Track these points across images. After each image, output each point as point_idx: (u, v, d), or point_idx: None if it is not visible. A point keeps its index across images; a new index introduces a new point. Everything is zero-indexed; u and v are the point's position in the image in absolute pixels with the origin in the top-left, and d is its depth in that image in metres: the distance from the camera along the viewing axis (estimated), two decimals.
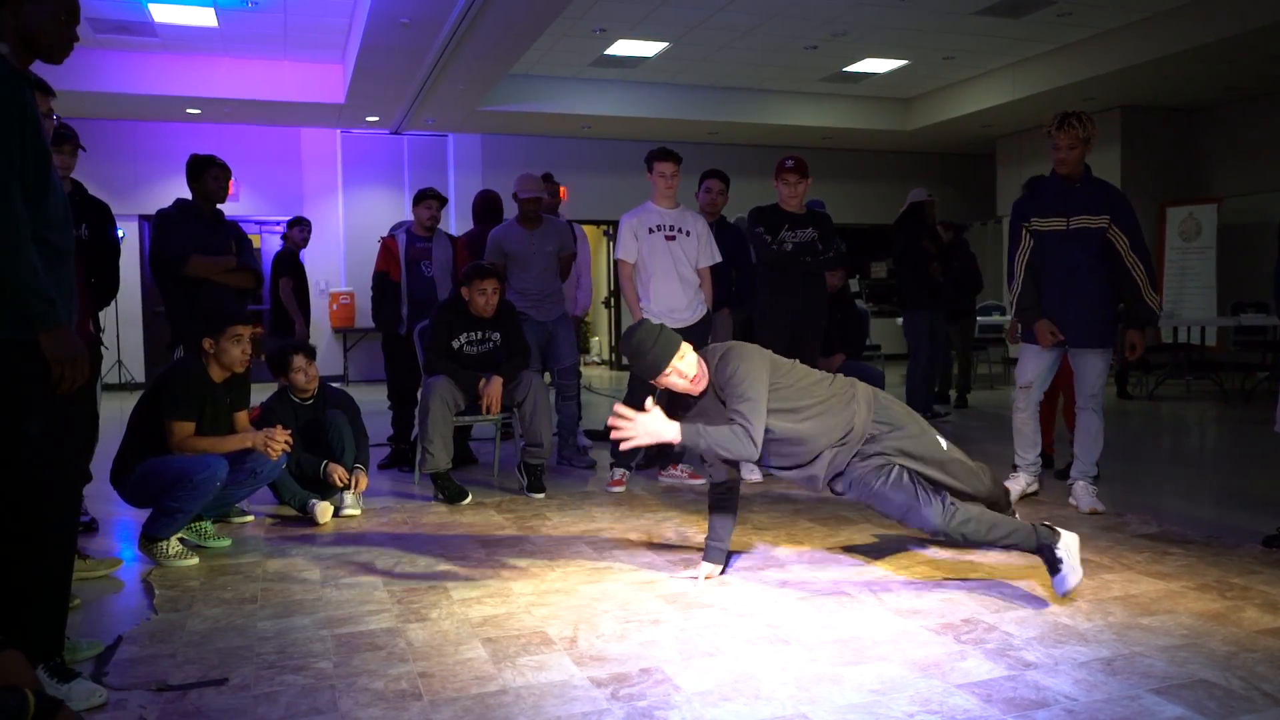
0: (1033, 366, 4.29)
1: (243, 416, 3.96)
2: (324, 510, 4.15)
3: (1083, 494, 4.21)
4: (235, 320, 3.75)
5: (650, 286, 4.75)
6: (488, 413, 4.70)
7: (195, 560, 3.57)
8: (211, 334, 3.73)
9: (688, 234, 4.79)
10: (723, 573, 3.27)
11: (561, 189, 6.34)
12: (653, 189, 4.82)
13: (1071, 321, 4.11)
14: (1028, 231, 4.19)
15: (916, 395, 6.95)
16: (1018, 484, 4.42)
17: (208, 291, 4.48)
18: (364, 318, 11.09)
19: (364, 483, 4.38)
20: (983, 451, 5.93)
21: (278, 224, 11.56)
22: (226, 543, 3.83)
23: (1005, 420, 7.58)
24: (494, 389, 4.62)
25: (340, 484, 4.28)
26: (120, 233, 10.53)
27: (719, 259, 4.92)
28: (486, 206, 6.04)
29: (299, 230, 7.23)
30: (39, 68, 2.43)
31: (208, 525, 3.84)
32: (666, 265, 4.74)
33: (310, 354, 4.47)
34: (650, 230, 4.74)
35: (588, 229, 7.84)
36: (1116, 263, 4.05)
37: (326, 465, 4.28)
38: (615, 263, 4.86)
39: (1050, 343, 4.15)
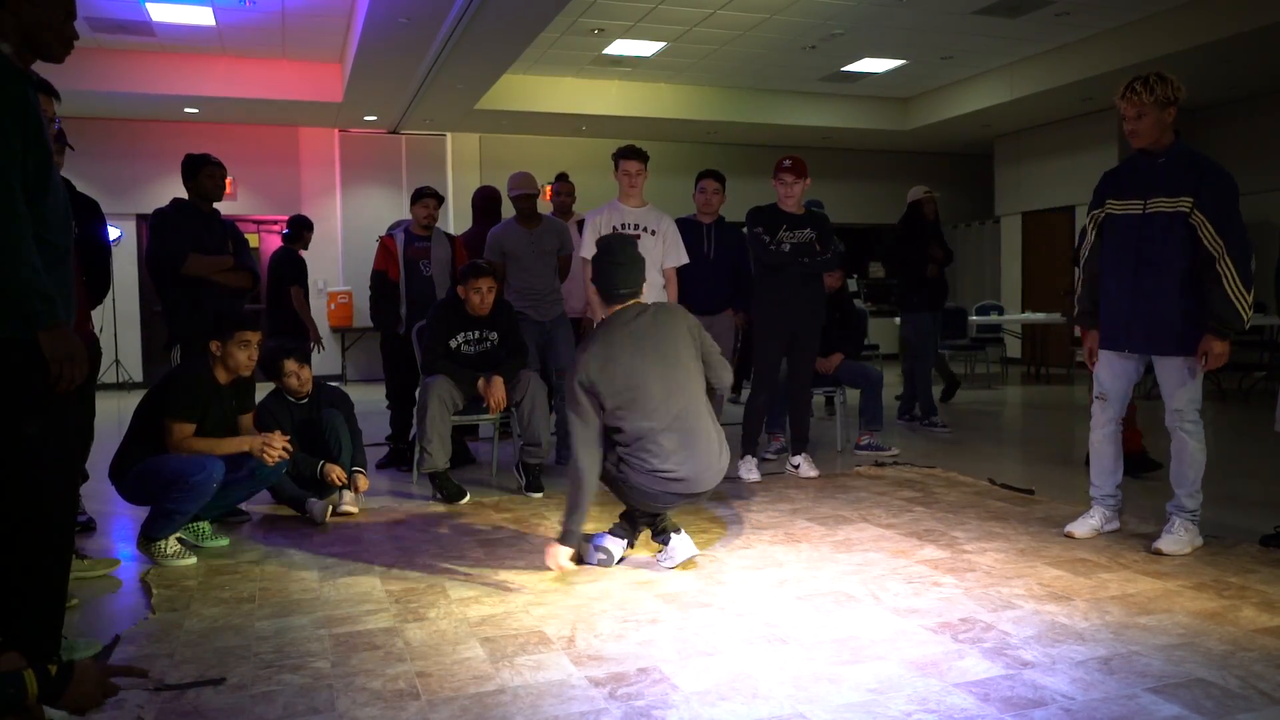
0: (1107, 375, 3.63)
1: (247, 419, 3.98)
2: (322, 510, 4.15)
3: (1174, 532, 3.48)
4: (244, 325, 3.76)
5: None
6: (497, 409, 4.68)
7: (193, 560, 3.57)
8: (219, 337, 3.74)
9: (653, 233, 4.76)
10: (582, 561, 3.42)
11: (550, 189, 6.32)
12: (619, 187, 4.81)
13: (1143, 322, 3.47)
14: (1094, 223, 3.63)
15: (926, 397, 6.90)
16: (1090, 523, 3.69)
17: (206, 291, 4.47)
18: (362, 317, 11.08)
19: (364, 484, 4.38)
20: (976, 452, 5.95)
21: (276, 223, 11.55)
22: (224, 542, 3.83)
23: (1005, 420, 7.61)
24: (496, 388, 4.62)
25: (338, 484, 4.27)
26: (117, 232, 10.37)
27: (685, 260, 4.88)
28: (486, 204, 6.03)
29: (310, 233, 7.01)
30: (43, 70, 2.43)
31: (205, 525, 3.84)
32: None
33: (302, 357, 4.46)
34: (614, 228, 4.73)
35: None
36: (1199, 250, 3.34)
37: (323, 465, 4.27)
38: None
39: (1091, 361, 3.66)
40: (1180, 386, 3.44)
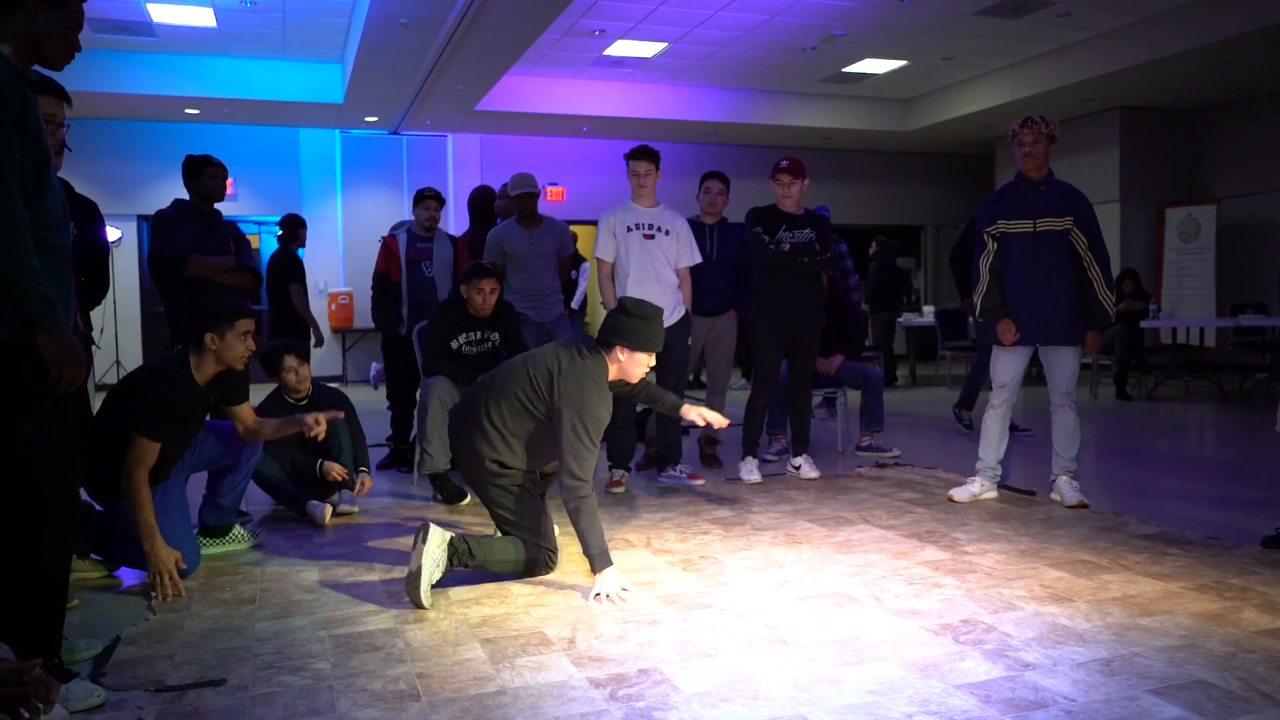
0: (1005, 366, 4.36)
1: (244, 410, 3.58)
2: (323, 513, 4.14)
3: (1066, 489, 4.30)
4: (241, 314, 3.40)
5: (628, 286, 4.71)
6: None
7: None
8: (215, 329, 3.34)
9: (667, 233, 4.77)
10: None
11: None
12: (631, 187, 4.82)
13: (1041, 320, 4.22)
14: (991, 237, 4.32)
15: (971, 388, 6.82)
16: (970, 489, 4.46)
17: (207, 292, 4.47)
18: (363, 318, 11.09)
19: (369, 484, 4.37)
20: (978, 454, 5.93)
21: (276, 224, 11.55)
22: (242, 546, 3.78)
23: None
24: None
25: (338, 479, 4.26)
26: (116, 233, 10.35)
27: (699, 259, 4.90)
28: (481, 204, 6.01)
29: (304, 230, 7.04)
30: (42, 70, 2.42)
31: (237, 528, 3.80)
32: (644, 264, 4.71)
33: (302, 354, 4.45)
34: (629, 229, 4.72)
35: (587, 229, 7.82)
36: (1075, 262, 4.21)
37: (322, 464, 4.27)
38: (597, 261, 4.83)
39: (1011, 339, 4.25)
40: (1069, 372, 4.27)
